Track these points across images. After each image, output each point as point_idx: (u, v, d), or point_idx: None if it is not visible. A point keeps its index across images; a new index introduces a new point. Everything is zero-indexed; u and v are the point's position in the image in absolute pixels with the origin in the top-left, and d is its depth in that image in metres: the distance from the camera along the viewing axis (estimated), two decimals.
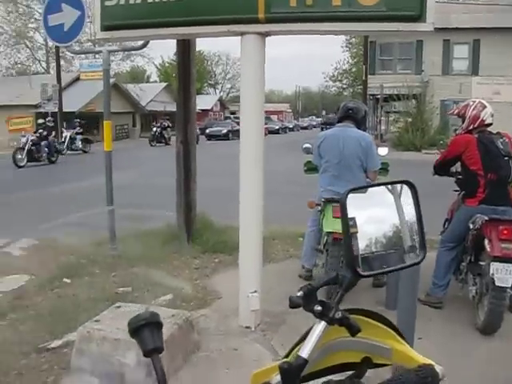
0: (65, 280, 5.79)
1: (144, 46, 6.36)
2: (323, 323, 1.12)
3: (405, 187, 1.28)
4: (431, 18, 3.88)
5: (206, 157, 12.75)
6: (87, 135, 30.70)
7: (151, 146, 33.48)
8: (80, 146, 28.05)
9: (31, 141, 20.93)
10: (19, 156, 20.28)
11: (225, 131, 41.62)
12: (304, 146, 6.05)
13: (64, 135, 27.88)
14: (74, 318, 4.54)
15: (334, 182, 5.24)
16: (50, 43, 43.12)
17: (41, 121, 23.12)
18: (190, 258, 6.53)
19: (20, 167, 19.90)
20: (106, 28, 4.78)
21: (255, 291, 4.42)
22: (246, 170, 4.39)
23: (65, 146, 26.89)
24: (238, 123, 46.09)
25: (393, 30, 4.11)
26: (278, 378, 1.10)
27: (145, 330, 1.07)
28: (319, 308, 1.12)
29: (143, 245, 6.84)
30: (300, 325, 4.19)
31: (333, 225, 4.99)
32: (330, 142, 5.36)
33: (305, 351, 1.09)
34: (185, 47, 6.66)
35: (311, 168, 5.84)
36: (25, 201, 11.79)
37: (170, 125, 35.84)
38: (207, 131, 41.82)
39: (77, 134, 28.41)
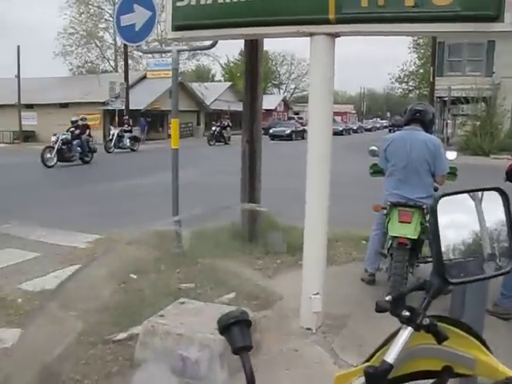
0: (131, 275, 5.94)
1: (213, 45, 6.42)
2: (410, 329, 1.10)
3: (491, 194, 1.24)
4: (510, 17, 3.72)
5: (269, 156, 12.81)
6: (152, 133, 31.28)
7: (210, 145, 33.05)
8: (128, 145, 27.42)
9: (62, 140, 19.27)
10: (48, 155, 18.89)
11: (288, 131, 41.67)
12: (370, 149, 5.97)
13: (111, 133, 27.60)
14: (138, 312, 4.67)
15: (400, 185, 5.16)
16: (119, 43, 44.45)
17: (74, 119, 21.48)
18: (253, 258, 6.57)
19: (49, 167, 18.65)
20: (177, 28, 4.86)
21: (317, 293, 4.40)
22: (312, 171, 4.36)
23: (112, 145, 26.68)
24: (301, 124, 46.22)
25: (468, 31, 4.00)
26: (360, 381, 1.09)
27: (234, 327, 1.09)
28: (407, 313, 1.10)
29: (207, 243, 6.93)
30: (361, 329, 4.15)
31: (398, 229, 4.92)
32: (397, 146, 5.27)
33: (390, 356, 1.07)
34: (252, 47, 6.71)
35: (377, 171, 5.77)
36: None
37: (231, 124, 35.62)
38: (271, 131, 41.86)
39: (125, 131, 27.72)
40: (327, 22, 4.14)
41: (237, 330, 1.09)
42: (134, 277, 5.93)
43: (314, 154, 4.35)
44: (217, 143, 33.93)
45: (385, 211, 5.11)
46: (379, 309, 1.12)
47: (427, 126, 5.37)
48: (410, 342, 1.11)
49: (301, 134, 42.91)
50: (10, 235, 8.07)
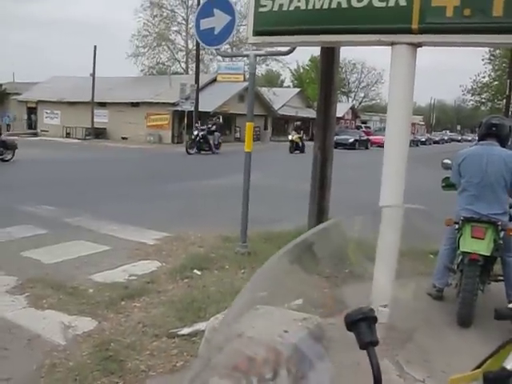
0: (195, 271, 6.03)
1: (290, 51, 6.43)
2: None
3: None
4: None
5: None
6: (221, 135, 31.19)
7: (188, 153, 25.94)
8: None
9: None
10: None
11: (352, 140, 41.16)
12: (443, 161, 5.85)
13: None
14: (203, 309, 4.76)
15: (474, 201, 5.00)
16: (190, 45, 45.23)
17: None
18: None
19: None
20: (257, 33, 4.93)
21: (386, 305, 4.35)
22: (387, 182, 4.32)
23: None
24: (366, 133, 45.47)
25: None
26: None
27: (362, 323, 1.13)
28: None
29: (272, 246, 6.94)
30: (427, 344, 4.05)
31: (471, 245, 4.79)
32: (472, 161, 5.11)
33: (510, 363, 1.07)
34: (329, 55, 6.70)
35: (449, 184, 5.64)
36: None
37: (219, 127, 29.30)
38: (334, 139, 41.35)
39: None
40: (410, 31, 4.11)
41: (364, 326, 1.12)
42: (198, 273, 6.02)
43: (389, 165, 4.30)
44: (202, 152, 26.54)
45: (457, 226, 5.00)
46: (499, 316, 1.12)
47: (503, 141, 5.18)
48: None
49: (364, 144, 42.38)
50: (81, 227, 8.36)
